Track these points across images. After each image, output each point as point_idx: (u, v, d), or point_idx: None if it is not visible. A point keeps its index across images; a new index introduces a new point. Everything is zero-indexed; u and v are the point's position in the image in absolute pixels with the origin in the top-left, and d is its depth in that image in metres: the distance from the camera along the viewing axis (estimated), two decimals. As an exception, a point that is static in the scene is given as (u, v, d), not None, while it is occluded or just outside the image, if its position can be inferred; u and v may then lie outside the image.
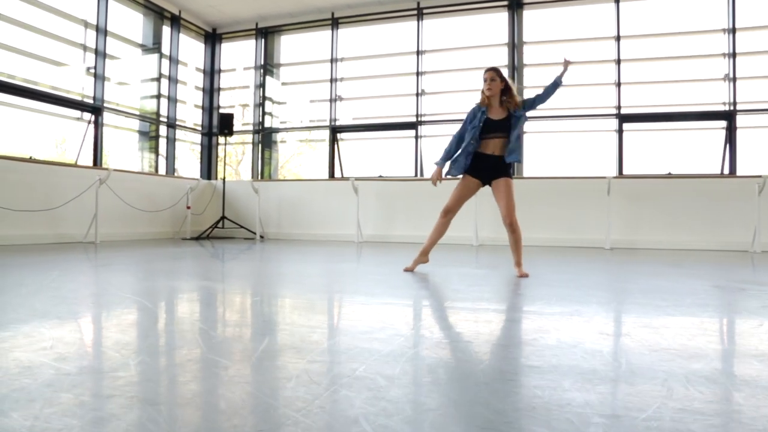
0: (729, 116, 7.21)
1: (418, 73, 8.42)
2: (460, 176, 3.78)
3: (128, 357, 1.46)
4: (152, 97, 8.56)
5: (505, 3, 8.07)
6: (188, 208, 8.24)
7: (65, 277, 3.26)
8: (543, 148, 8.10)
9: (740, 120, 7.20)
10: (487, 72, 3.73)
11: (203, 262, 4.64)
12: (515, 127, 3.66)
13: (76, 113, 7.31)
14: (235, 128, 8.60)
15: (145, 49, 8.49)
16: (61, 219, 6.50)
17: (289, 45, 9.58)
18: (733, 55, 7.17)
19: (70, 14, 7.11)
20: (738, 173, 7.10)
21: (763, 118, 7.20)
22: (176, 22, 8.79)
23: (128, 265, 4.12)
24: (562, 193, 7.37)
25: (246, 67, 9.55)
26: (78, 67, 7.29)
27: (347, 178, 8.28)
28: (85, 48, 7.34)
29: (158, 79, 8.57)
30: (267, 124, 9.46)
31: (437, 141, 8.45)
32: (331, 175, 8.86)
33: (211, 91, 9.69)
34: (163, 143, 8.77)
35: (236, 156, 11.21)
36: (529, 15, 8.13)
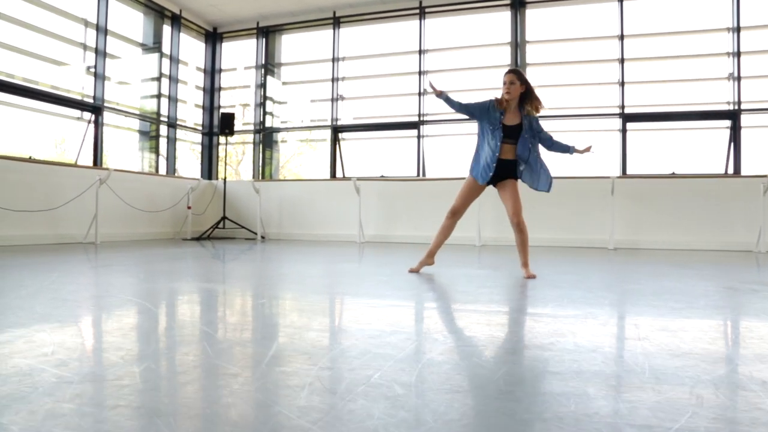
0: (733, 115, 7.16)
1: (420, 73, 8.37)
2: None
3: (132, 363, 1.40)
4: (152, 96, 8.50)
5: (508, 2, 8.02)
6: (189, 208, 8.18)
7: (65, 278, 3.21)
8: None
9: (745, 119, 7.15)
10: (506, 75, 3.59)
11: (205, 263, 4.58)
12: (525, 135, 3.55)
13: (76, 113, 7.25)
14: (235, 128, 8.55)
15: (146, 48, 8.43)
16: (61, 219, 6.44)
17: (290, 44, 9.52)
18: (738, 54, 7.12)
19: (70, 13, 7.05)
20: (742, 173, 7.05)
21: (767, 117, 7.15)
22: (177, 21, 8.73)
23: (129, 266, 4.06)
24: (565, 193, 7.30)
25: (247, 67, 9.50)
26: (78, 66, 7.23)
27: (349, 178, 8.22)
28: (85, 47, 7.28)
29: (159, 79, 8.51)
30: (268, 124, 9.40)
31: (439, 141, 8.40)
32: (333, 175, 8.80)
33: (211, 90, 9.63)
34: (163, 143, 8.72)
35: (236, 156, 11.15)
36: (531, 14, 8.08)
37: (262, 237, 8.41)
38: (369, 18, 8.71)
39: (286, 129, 9.44)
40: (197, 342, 1.68)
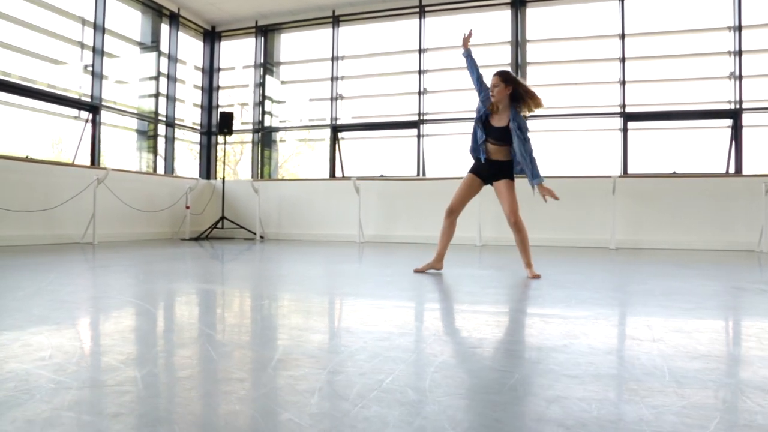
0: (735, 115, 7.13)
1: (420, 72, 8.32)
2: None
3: (133, 368, 1.35)
4: (151, 95, 8.43)
5: (508, 0, 7.98)
6: (187, 208, 8.12)
7: (63, 279, 3.15)
8: (547, 147, 8.00)
9: (746, 119, 7.12)
10: (493, 77, 3.62)
11: (204, 264, 4.52)
12: (512, 137, 3.51)
13: (74, 112, 7.18)
14: (234, 127, 8.48)
15: (144, 47, 8.36)
16: (58, 219, 6.37)
17: (289, 43, 9.47)
18: (739, 53, 7.09)
19: (67, 11, 6.98)
20: (744, 172, 7.01)
21: (769, 116, 7.13)
22: (175, 19, 8.67)
23: (127, 267, 4.00)
24: (567, 192, 7.23)
25: (245, 66, 9.43)
26: (75, 65, 7.16)
27: (348, 178, 8.17)
28: (82, 46, 7.21)
29: (157, 78, 8.45)
30: (266, 123, 9.34)
31: (440, 140, 8.35)
32: (332, 175, 8.75)
33: (210, 89, 9.56)
34: (161, 142, 8.65)
35: (234, 156, 11.09)
36: (532, 13, 8.04)
37: (261, 237, 8.35)
38: (368, 17, 8.66)
39: (285, 128, 9.38)
40: (200, 345, 1.63)
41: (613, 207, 6.82)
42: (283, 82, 9.50)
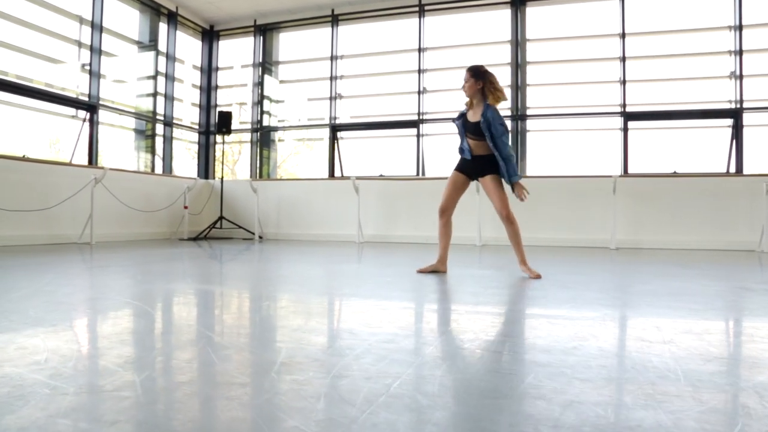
0: (735, 114, 7.11)
1: (419, 71, 8.28)
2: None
3: (132, 372, 1.30)
4: (149, 95, 8.38)
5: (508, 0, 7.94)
6: (185, 208, 8.07)
7: (60, 280, 3.10)
8: (547, 147, 7.98)
9: (747, 118, 7.10)
10: (465, 73, 3.64)
11: (202, 264, 4.47)
12: (485, 132, 3.50)
13: (71, 111, 7.12)
14: (232, 127, 8.43)
15: (142, 46, 8.31)
16: (55, 219, 6.32)
17: (287, 42, 9.42)
18: (740, 52, 7.06)
19: (65, 10, 6.92)
20: (745, 172, 6.99)
21: (770, 116, 7.10)
22: (173, 18, 8.61)
23: (125, 267, 3.95)
24: (567, 192, 7.25)
25: (244, 65, 9.38)
26: (73, 64, 7.10)
27: (348, 178, 8.12)
28: (80, 44, 7.15)
29: (155, 77, 8.39)
30: (265, 123, 9.29)
31: (439, 140, 8.31)
32: (331, 175, 8.70)
33: (208, 89, 9.51)
34: (159, 142, 8.59)
35: (232, 155, 11.03)
36: (532, 12, 8.00)
37: (260, 237, 8.30)
38: (368, 16, 8.62)
39: (284, 128, 9.33)
40: (200, 348, 1.59)
41: (614, 207, 6.79)
42: (281, 82, 9.46)
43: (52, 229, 6.30)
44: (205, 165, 9.50)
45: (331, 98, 8.74)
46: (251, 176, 9.22)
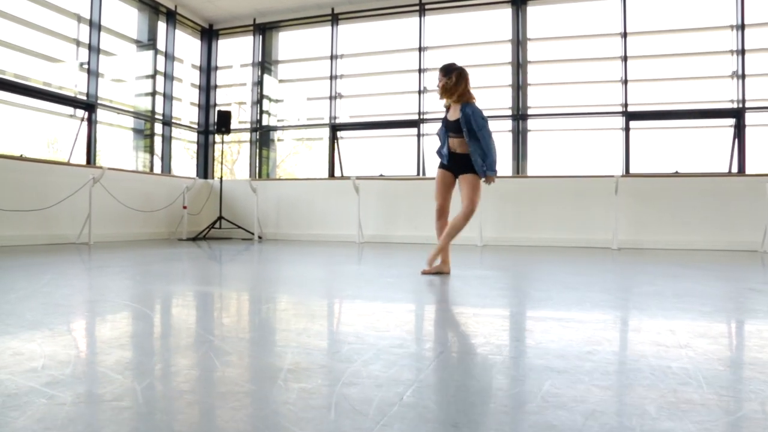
0: (737, 114, 7.07)
1: (420, 70, 8.23)
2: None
3: (133, 380, 1.25)
4: (147, 94, 8.31)
5: (510, -2, 7.90)
6: (184, 208, 8.00)
7: (58, 281, 3.04)
8: (548, 147, 7.93)
9: (749, 118, 7.06)
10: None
11: (202, 265, 4.42)
12: (463, 127, 3.53)
13: (69, 110, 7.06)
14: (232, 126, 8.37)
15: (140, 45, 8.25)
16: (53, 219, 6.25)
17: (287, 41, 9.36)
18: (742, 51, 7.03)
19: (62, 8, 6.86)
20: (747, 172, 6.96)
21: (773, 115, 7.07)
22: (172, 17, 8.55)
23: (124, 268, 3.89)
24: (568, 192, 7.21)
25: (243, 64, 9.32)
26: (71, 62, 7.04)
27: (348, 177, 8.07)
28: (78, 43, 7.09)
29: (153, 76, 8.33)
30: (264, 123, 9.24)
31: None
32: (331, 174, 8.65)
33: (207, 88, 9.45)
34: (158, 141, 8.53)
35: (231, 155, 10.97)
36: (533, 11, 7.96)
37: (259, 237, 8.24)
38: (368, 15, 8.56)
39: (283, 128, 9.28)
40: (202, 353, 1.53)
41: (615, 207, 6.75)
42: (281, 81, 9.40)
43: (50, 229, 6.24)
44: (204, 165, 9.44)
45: (331, 98, 8.68)
46: (251, 176, 9.16)
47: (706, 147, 7.44)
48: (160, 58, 8.42)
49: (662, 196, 6.92)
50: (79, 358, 1.47)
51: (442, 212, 3.72)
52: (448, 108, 3.73)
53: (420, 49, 8.25)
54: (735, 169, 7.05)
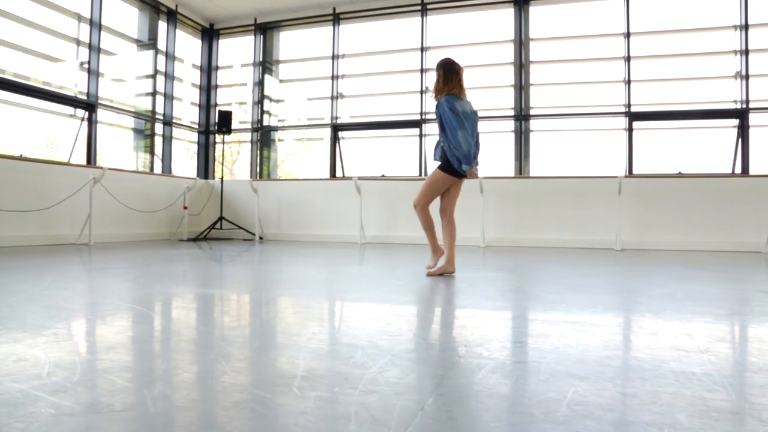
0: (741, 114, 7.04)
1: (422, 70, 8.19)
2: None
3: (142, 387, 1.21)
4: (148, 94, 8.26)
5: (512, -2, 7.86)
6: (185, 208, 7.96)
7: (60, 283, 3.00)
8: (551, 147, 7.90)
9: (753, 118, 7.03)
10: None
11: (204, 266, 4.37)
12: (438, 123, 3.60)
13: (69, 110, 7.01)
14: (232, 126, 8.32)
15: (141, 44, 8.20)
16: (53, 219, 6.20)
17: (288, 41, 9.31)
18: (746, 52, 7.00)
19: (63, 7, 6.81)
20: (751, 173, 6.93)
21: (777, 116, 7.04)
22: (173, 16, 8.50)
23: (126, 269, 3.84)
24: (571, 192, 7.17)
25: (244, 64, 9.28)
26: (71, 62, 6.99)
27: (349, 178, 8.03)
28: (78, 43, 7.04)
29: (154, 76, 8.28)
30: (265, 123, 9.19)
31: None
32: (333, 175, 8.61)
33: (208, 88, 9.40)
34: (159, 141, 8.48)
35: (231, 156, 10.92)
36: (535, 11, 7.92)
37: (260, 238, 8.20)
38: (370, 14, 8.52)
39: (284, 128, 9.23)
40: (213, 358, 1.49)
41: (619, 207, 6.72)
42: (282, 81, 9.35)
43: (50, 229, 6.19)
44: (205, 165, 9.39)
45: (332, 98, 8.64)
46: (251, 176, 9.12)
47: (710, 148, 7.41)
48: (161, 58, 8.37)
49: (665, 196, 6.89)
50: (84, 364, 1.42)
51: (443, 212, 3.71)
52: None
53: (422, 49, 8.21)
54: (738, 170, 7.02)
